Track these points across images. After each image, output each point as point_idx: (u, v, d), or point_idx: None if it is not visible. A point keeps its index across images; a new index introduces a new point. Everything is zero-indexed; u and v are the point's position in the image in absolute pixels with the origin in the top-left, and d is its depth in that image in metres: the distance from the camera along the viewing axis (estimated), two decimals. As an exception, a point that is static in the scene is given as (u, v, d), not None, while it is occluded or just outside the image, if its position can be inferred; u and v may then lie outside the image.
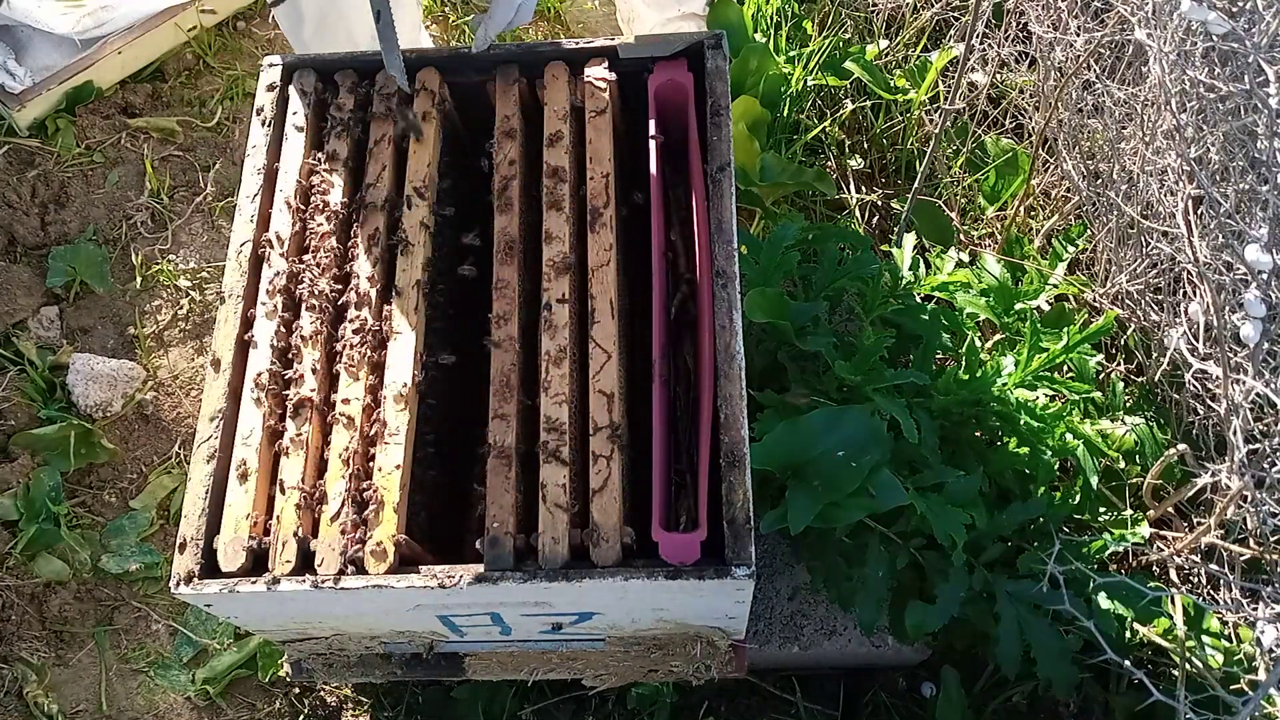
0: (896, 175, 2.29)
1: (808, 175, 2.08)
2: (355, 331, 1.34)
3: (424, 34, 2.27)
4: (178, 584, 1.22)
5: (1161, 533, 1.65)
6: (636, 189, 1.51)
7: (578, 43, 1.50)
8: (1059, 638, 1.49)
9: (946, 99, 1.98)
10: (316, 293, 1.36)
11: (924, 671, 1.79)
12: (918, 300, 1.78)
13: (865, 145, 2.32)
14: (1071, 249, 1.92)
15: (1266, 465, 1.41)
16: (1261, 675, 1.25)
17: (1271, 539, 1.44)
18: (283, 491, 1.26)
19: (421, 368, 1.33)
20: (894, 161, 2.29)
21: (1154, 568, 1.71)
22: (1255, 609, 1.30)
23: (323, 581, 1.20)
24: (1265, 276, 1.28)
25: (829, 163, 2.28)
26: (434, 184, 1.43)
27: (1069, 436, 1.59)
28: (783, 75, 2.14)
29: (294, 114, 1.48)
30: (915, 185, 1.91)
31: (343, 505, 1.24)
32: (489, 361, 1.32)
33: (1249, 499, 1.38)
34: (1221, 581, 1.53)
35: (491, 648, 1.51)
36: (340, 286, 1.39)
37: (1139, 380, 1.84)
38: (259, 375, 1.32)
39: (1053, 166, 2.10)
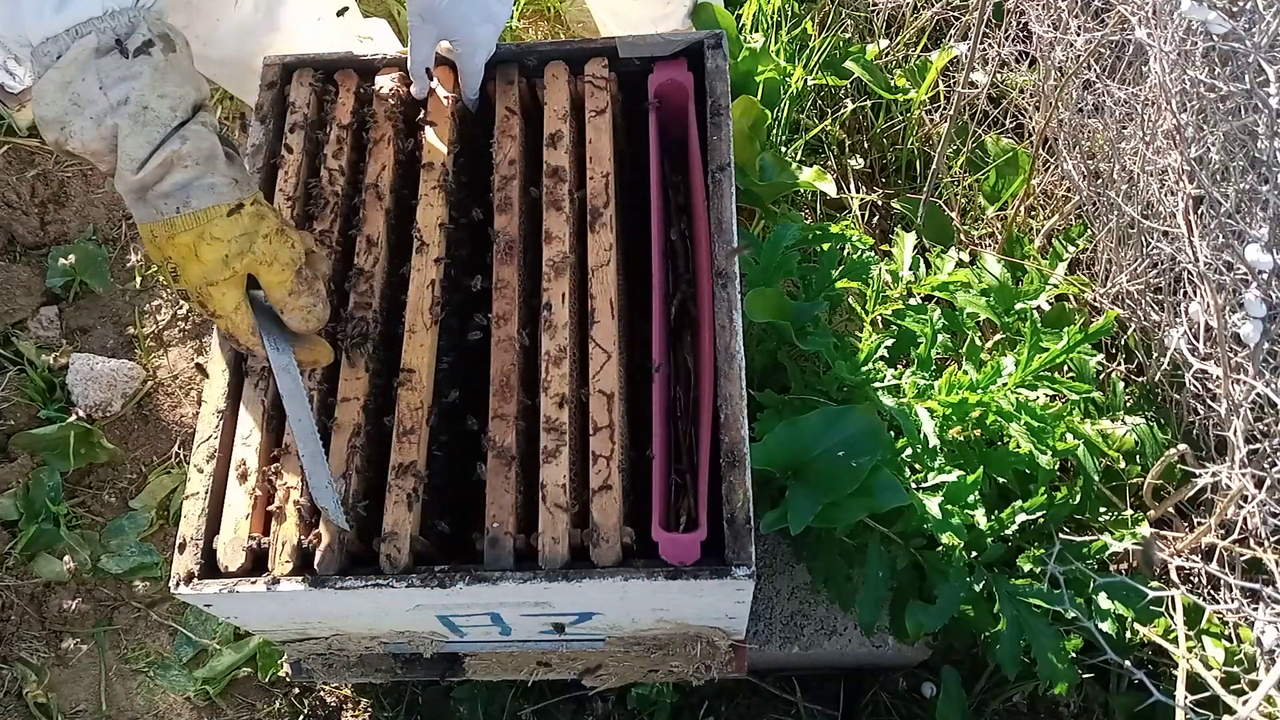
0: (897, 175, 2.29)
1: (808, 175, 2.08)
2: (358, 331, 1.33)
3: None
4: (178, 584, 1.22)
5: (1162, 533, 1.65)
6: (636, 188, 1.51)
7: (578, 42, 1.50)
8: (1059, 638, 1.49)
9: (951, 99, 1.98)
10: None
11: (924, 671, 1.79)
12: (918, 300, 1.78)
13: (865, 145, 2.32)
14: (1072, 249, 1.92)
15: (1267, 465, 1.41)
16: (1261, 675, 1.25)
17: (1271, 539, 1.44)
18: (283, 491, 1.26)
19: (437, 367, 1.33)
20: (894, 161, 2.29)
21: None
22: (1255, 609, 1.30)
23: (323, 581, 1.20)
24: (1265, 276, 1.28)
25: (829, 163, 2.28)
26: (448, 180, 1.43)
27: (1069, 436, 1.59)
28: (782, 75, 2.14)
29: (293, 113, 1.48)
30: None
31: (342, 504, 1.24)
32: (489, 361, 1.32)
33: (1249, 499, 1.38)
34: (1221, 581, 1.53)
35: (491, 648, 1.51)
36: (341, 285, 1.39)
37: (1139, 380, 1.84)
38: (259, 374, 1.32)
39: (1053, 166, 2.10)
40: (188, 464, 1.51)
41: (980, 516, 1.51)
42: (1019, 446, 1.59)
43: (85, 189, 2.32)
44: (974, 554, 1.55)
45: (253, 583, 1.21)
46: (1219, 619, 1.51)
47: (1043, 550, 1.54)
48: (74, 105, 1.02)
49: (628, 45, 1.48)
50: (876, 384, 1.57)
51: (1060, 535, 1.56)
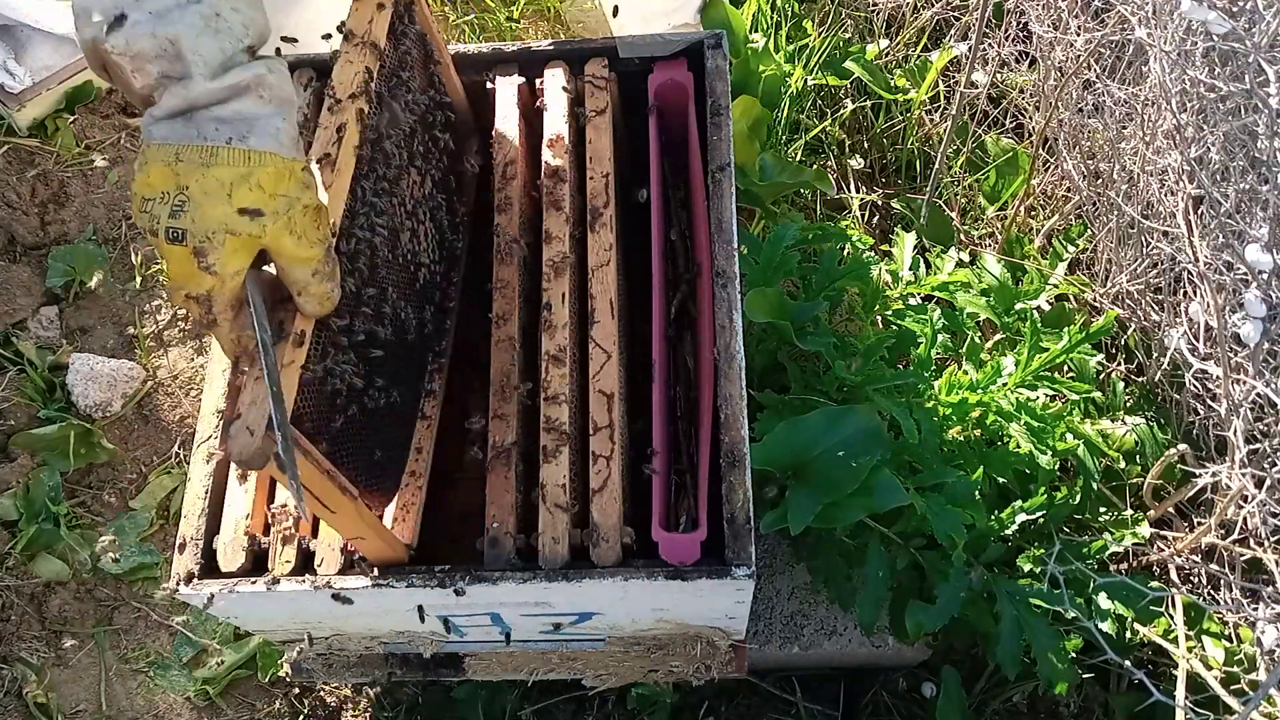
0: (897, 175, 2.29)
1: (808, 175, 2.08)
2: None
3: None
4: (178, 584, 1.22)
5: (1162, 533, 1.65)
6: (636, 188, 1.51)
7: (578, 42, 1.50)
8: (1059, 638, 1.49)
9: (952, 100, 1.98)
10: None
11: (924, 671, 1.79)
12: (918, 300, 1.78)
13: (865, 145, 2.32)
14: (1072, 249, 1.92)
15: (1267, 465, 1.41)
16: (1261, 675, 1.25)
17: (1271, 539, 1.44)
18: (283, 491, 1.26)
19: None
20: (894, 161, 2.29)
21: (1154, 568, 1.71)
22: (1255, 609, 1.30)
23: (323, 581, 1.20)
24: (1265, 276, 1.28)
25: (829, 163, 2.28)
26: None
27: (1069, 436, 1.59)
28: (782, 75, 2.14)
29: (294, 114, 1.47)
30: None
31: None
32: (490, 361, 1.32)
33: (1249, 499, 1.38)
34: (1221, 581, 1.53)
35: (491, 648, 1.51)
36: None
37: (1139, 380, 1.84)
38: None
39: (1053, 166, 2.10)
40: (188, 464, 1.51)
41: (980, 516, 1.51)
42: (1019, 446, 1.59)
43: (85, 189, 2.32)
44: (974, 554, 1.55)
45: (253, 583, 1.21)
46: (1219, 619, 1.51)
47: (1043, 550, 1.54)
48: None
49: (628, 45, 1.48)
50: (876, 384, 1.57)
51: (1060, 535, 1.56)
